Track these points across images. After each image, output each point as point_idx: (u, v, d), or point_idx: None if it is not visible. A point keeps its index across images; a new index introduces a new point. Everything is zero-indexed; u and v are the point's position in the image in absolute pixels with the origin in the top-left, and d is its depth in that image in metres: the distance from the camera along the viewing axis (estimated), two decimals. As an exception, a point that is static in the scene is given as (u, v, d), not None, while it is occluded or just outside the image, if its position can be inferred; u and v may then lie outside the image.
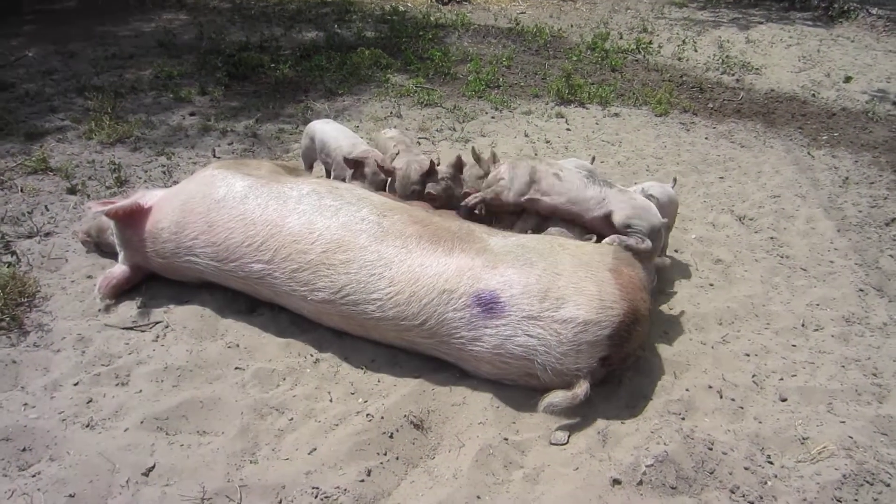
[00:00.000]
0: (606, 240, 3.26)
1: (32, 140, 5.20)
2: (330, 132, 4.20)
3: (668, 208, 3.71)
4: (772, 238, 4.44)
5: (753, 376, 3.09)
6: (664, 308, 3.60)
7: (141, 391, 2.78)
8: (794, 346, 3.35)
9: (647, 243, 3.25)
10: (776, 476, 2.52)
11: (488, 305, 2.72)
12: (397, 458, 2.53)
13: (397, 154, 3.88)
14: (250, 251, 3.04)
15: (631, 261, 3.02)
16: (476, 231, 3.08)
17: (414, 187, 3.69)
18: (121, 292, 3.37)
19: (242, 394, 2.81)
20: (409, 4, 11.48)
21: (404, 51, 8.12)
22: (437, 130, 5.93)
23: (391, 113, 6.28)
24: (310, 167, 4.53)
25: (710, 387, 2.99)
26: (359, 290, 2.86)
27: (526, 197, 3.46)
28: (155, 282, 3.47)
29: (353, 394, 2.86)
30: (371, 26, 9.66)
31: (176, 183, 4.37)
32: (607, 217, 3.35)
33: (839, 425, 2.80)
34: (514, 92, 7.21)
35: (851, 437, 2.71)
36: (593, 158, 4.45)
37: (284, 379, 2.92)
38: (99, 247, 3.72)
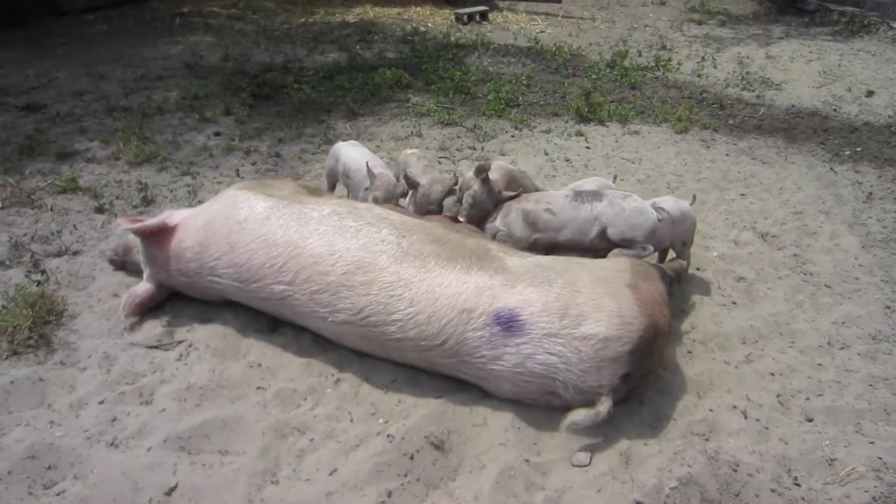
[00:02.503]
0: (611, 253, 3.42)
1: (63, 160, 5.31)
2: (354, 155, 4.24)
3: (682, 223, 3.72)
4: (795, 255, 4.38)
5: (779, 396, 3.05)
6: (686, 327, 3.56)
7: (164, 410, 2.81)
8: (819, 364, 3.30)
9: (650, 249, 3.51)
10: (803, 499, 2.48)
11: (508, 324, 2.72)
12: (418, 480, 2.52)
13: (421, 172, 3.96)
14: (272, 273, 3.07)
15: (649, 275, 3.03)
16: (493, 250, 3.08)
17: (431, 207, 3.77)
18: (145, 310, 3.41)
19: (264, 414, 2.82)
20: (430, 25, 11.59)
21: (425, 70, 8.18)
22: (457, 150, 5.96)
23: (412, 132, 6.32)
24: (332, 187, 4.57)
25: (735, 407, 2.96)
26: (379, 312, 2.87)
27: (532, 238, 3.54)
28: (178, 300, 3.51)
29: (373, 414, 2.86)
30: (392, 47, 9.76)
31: (201, 202, 4.43)
32: (603, 234, 3.49)
33: (868, 446, 2.75)
34: (534, 111, 7.22)
35: (881, 458, 2.66)
36: (615, 177, 4.44)
37: (305, 399, 2.93)
38: (126, 266, 3.78)
